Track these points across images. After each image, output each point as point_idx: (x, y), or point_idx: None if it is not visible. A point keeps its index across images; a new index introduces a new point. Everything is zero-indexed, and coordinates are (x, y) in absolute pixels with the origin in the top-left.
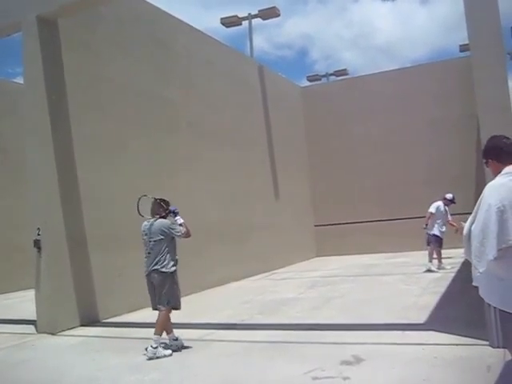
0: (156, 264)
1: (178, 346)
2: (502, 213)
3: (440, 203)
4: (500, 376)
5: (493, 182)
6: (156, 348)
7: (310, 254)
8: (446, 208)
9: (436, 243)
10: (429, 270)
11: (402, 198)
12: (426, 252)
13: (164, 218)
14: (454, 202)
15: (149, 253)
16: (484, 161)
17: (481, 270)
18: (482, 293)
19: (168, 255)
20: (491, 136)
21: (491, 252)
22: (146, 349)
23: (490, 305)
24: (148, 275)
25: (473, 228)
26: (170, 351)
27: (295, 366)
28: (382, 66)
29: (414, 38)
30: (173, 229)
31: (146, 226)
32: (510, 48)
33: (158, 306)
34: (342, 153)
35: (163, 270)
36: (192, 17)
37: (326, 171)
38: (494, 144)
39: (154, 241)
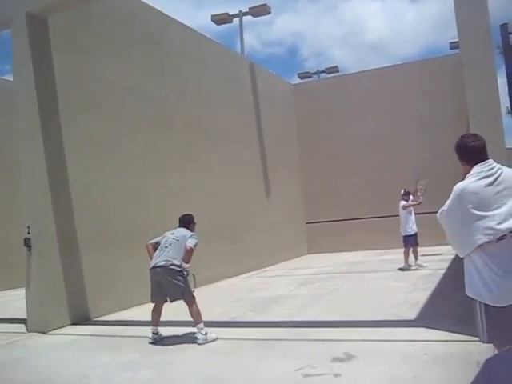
0: (165, 260)
1: (156, 340)
2: (468, 214)
3: (402, 202)
4: (478, 373)
5: (459, 184)
6: (206, 334)
7: (301, 251)
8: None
9: (409, 242)
10: (401, 269)
11: (393, 196)
12: (400, 250)
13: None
14: (408, 192)
15: (165, 246)
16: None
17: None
18: (467, 289)
19: (179, 255)
20: (460, 135)
21: (468, 250)
22: (197, 337)
23: (476, 299)
24: (153, 268)
25: (442, 215)
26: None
27: (286, 363)
28: (372, 63)
29: (403, 35)
30: (190, 238)
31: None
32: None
33: (173, 300)
34: (334, 150)
35: (171, 267)
36: (182, 14)
37: (317, 169)
38: (461, 145)
39: (177, 240)
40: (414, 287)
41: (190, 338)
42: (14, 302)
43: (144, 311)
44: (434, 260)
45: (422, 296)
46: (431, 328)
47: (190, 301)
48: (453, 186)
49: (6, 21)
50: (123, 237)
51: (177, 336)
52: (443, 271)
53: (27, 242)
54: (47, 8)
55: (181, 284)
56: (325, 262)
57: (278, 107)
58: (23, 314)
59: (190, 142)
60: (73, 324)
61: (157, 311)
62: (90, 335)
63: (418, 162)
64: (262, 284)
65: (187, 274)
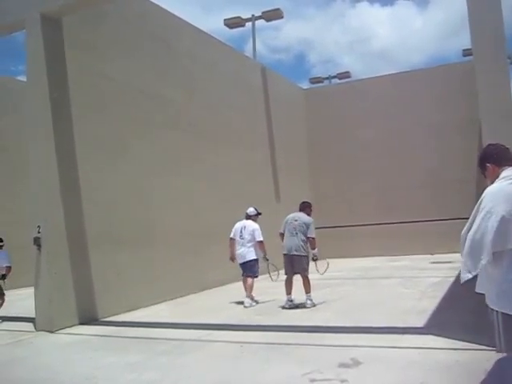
0: (295, 247)
1: (290, 306)
2: (499, 219)
3: (256, 226)
4: (489, 374)
5: (491, 187)
6: (312, 301)
7: (310, 256)
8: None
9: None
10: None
11: (403, 202)
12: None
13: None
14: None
15: (295, 233)
16: (481, 169)
17: (473, 273)
18: (486, 298)
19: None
20: (488, 144)
21: (485, 257)
22: (306, 303)
23: (492, 308)
24: (287, 255)
25: (469, 234)
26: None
27: (293, 368)
28: (379, 70)
29: (411, 43)
30: (309, 228)
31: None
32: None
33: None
34: (344, 155)
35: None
36: (193, 18)
37: (327, 173)
38: (493, 149)
39: (301, 226)
40: (423, 294)
41: (196, 341)
42: (22, 300)
43: (152, 312)
44: (444, 268)
45: (431, 303)
46: (439, 336)
47: (305, 275)
48: (459, 193)
49: (21, 21)
50: (131, 237)
51: (183, 339)
52: (452, 279)
53: (37, 241)
54: (61, 9)
55: (304, 264)
56: (334, 268)
57: (289, 111)
58: (31, 313)
59: (199, 144)
60: (80, 324)
61: (289, 282)
62: (97, 335)
63: (427, 168)
64: (270, 288)
65: (316, 258)
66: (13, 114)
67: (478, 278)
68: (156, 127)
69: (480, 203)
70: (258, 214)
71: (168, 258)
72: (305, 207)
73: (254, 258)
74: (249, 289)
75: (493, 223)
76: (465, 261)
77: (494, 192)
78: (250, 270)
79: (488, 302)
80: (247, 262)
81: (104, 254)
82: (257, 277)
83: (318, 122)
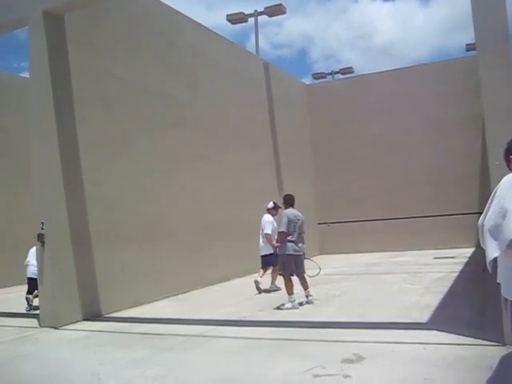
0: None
1: (309, 302)
2: None
3: (268, 217)
4: (495, 370)
5: (508, 176)
6: (312, 297)
7: (313, 251)
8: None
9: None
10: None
11: (406, 197)
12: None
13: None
14: (278, 207)
15: (301, 233)
16: (505, 162)
17: (494, 255)
18: (503, 289)
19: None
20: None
21: (502, 245)
22: (308, 300)
23: (506, 299)
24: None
25: (485, 221)
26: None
27: (296, 363)
28: (381, 66)
29: (413, 38)
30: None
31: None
32: None
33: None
34: (347, 151)
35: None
36: (196, 14)
37: (330, 169)
38: None
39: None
40: (427, 290)
41: (199, 337)
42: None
43: (155, 308)
44: (448, 263)
45: (435, 299)
46: (443, 331)
47: (303, 275)
48: (462, 189)
49: (24, 19)
50: (135, 234)
51: (187, 335)
52: (456, 274)
53: (41, 238)
54: (64, 6)
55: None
56: (337, 263)
57: (292, 107)
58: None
59: (202, 141)
60: (84, 320)
61: (291, 282)
62: (101, 331)
63: (430, 164)
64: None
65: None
66: (16, 111)
67: (498, 269)
68: (159, 124)
69: (496, 191)
70: (277, 207)
71: (171, 254)
72: (292, 200)
73: (267, 253)
74: (272, 277)
75: (506, 207)
76: (485, 248)
77: (509, 180)
78: (266, 263)
79: (505, 293)
80: (262, 256)
81: (108, 250)
82: (274, 267)
83: (322, 118)
